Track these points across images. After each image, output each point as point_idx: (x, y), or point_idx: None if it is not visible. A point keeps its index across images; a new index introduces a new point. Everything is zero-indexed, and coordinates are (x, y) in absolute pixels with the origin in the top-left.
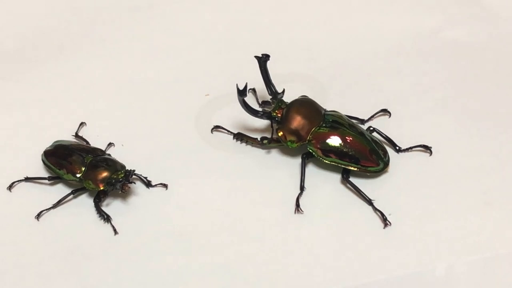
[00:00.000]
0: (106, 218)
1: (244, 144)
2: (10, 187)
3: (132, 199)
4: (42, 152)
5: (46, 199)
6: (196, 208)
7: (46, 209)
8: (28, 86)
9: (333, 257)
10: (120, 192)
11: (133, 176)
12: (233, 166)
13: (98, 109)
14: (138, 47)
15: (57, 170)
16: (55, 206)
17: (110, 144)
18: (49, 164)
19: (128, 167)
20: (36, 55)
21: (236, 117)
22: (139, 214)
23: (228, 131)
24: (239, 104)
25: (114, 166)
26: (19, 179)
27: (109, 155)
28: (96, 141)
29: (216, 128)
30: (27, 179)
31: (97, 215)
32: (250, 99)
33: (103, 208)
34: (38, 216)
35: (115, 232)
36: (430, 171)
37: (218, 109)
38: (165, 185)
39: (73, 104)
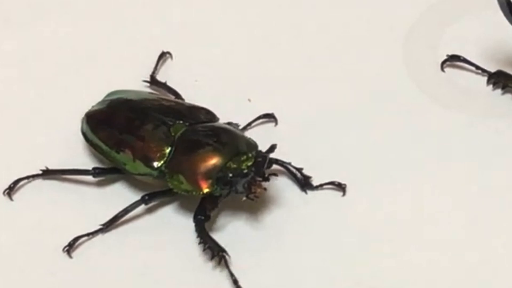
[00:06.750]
0: (219, 254)
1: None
2: (10, 192)
3: (272, 215)
4: (81, 115)
5: (83, 213)
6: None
7: (89, 235)
8: None
9: None
10: (244, 199)
11: (276, 165)
12: None
13: (197, 21)
14: None
15: (113, 153)
16: (107, 227)
17: None
18: (96, 140)
19: (263, 146)
20: None
21: None
22: (285, 245)
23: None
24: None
25: (234, 143)
26: (29, 175)
27: (233, 124)
28: (194, 91)
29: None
30: (46, 173)
31: (201, 246)
32: None
33: (212, 234)
34: (70, 247)
35: None
36: None
37: None
38: (340, 186)
39: (148, 13)
